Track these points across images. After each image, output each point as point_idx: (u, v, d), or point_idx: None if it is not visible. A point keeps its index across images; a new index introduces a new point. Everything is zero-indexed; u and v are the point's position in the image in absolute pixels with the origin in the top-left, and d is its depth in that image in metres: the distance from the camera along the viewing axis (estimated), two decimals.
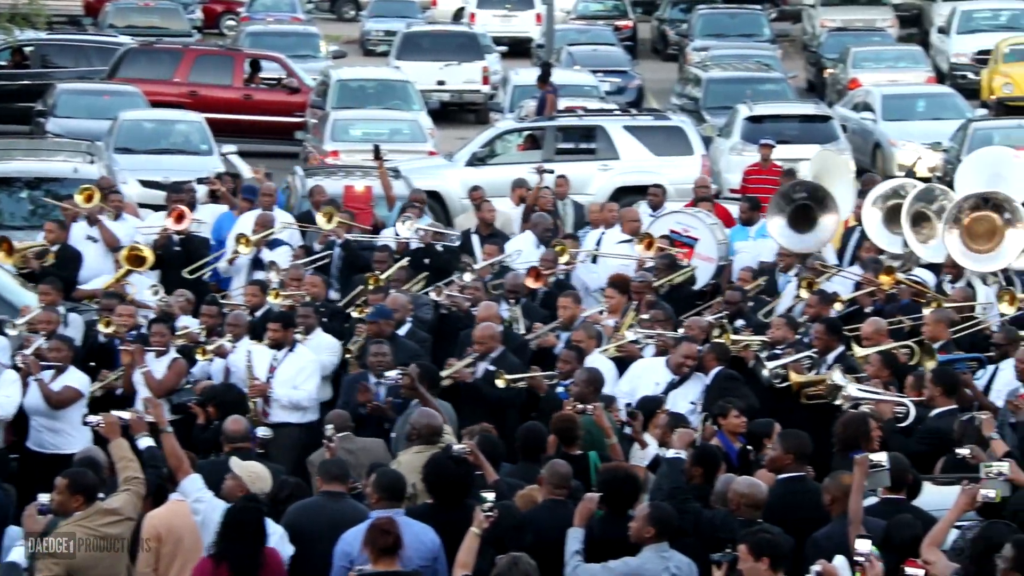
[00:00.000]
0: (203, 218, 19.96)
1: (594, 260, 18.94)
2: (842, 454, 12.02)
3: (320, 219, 18.83)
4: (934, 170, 27.95)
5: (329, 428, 12.46)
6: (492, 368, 14.79)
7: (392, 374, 13.56)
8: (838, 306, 16.41)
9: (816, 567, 9.76)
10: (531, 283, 17.45)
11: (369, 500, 11.09)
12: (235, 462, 11.36)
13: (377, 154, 21.40)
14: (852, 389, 13.66)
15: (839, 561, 9.94)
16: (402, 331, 15.77)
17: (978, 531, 9.95)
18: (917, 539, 10.36)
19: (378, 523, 10.34)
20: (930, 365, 14.42)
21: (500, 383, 14.42)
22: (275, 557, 10.59)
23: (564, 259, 18.06)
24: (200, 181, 22.03)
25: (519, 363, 15.01)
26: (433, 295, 16.36)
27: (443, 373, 14.61)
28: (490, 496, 10.53)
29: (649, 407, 13.43)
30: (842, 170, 20.76)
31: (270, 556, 10.55)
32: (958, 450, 11.81)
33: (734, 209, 21.40)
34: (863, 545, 9.48)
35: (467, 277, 17.24)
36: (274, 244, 18.70)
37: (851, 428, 12.12)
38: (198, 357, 15.32)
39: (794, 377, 14.36)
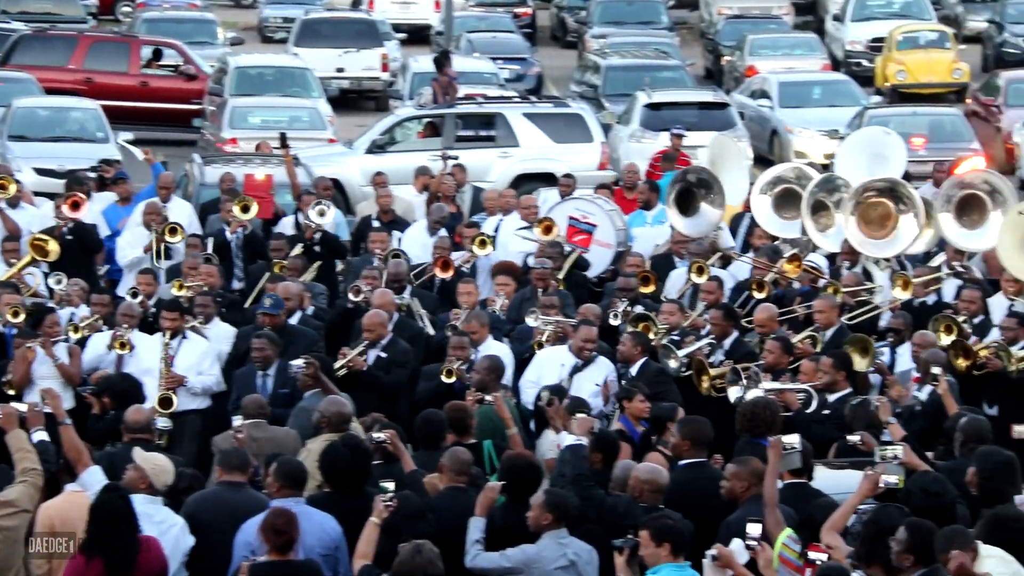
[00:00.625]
0: (97, 207, 19.79)
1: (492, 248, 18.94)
2: (747, 440, 12.10)
3: (236, 209, 18.69)
4: (831, 157, 28.21)
5: (237, 419, 12.33)
6: (384, 355, 14.76)
7: (298, 363, 13.47)
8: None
9: (712, 551, 9.85)
10: (439, 272, 17.41)
11: (269, 489, 11.04)
12: (138, 453, 11.26)
13: (283, 142, 21.28)
14: (757, 390, 13.66)
15: (735, 545, 10.02)
16: (294, 320, 15.70)
17: (870, 515, 10.03)
18: (821, 522, 10.44)
19: (275, 513, 10.28)
20: (861, 362, 14.41)
21: (445, 377, 14.34)
22: (154, 544, 10.50)
23: (487, 250, 18.03)
24: (93, 169, 21.84)
25: (409, 349, 14.99)
26: (352, 295, 16.27)
27: (337, 364, 14.57)
28: (389, 486, 10.51)
29: (557, 394, 13.40)
30: (737, 157, 20.90)
31: (148, 544, 10.45)
32: (849, 437, 11.89)
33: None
34: (754, 529, 9.53)
35: (376, 263, 17.24)
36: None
37: (757, 414, 12.19)
38: (70, 333, 15.25)
39: (707, 374, 14.37)
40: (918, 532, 9.61)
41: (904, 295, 15.85)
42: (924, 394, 13.61)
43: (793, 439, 10.88)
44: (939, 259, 17.10)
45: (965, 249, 16.94)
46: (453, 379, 14.32)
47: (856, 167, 17.71)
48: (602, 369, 14.51)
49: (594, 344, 14.57)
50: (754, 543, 9.51)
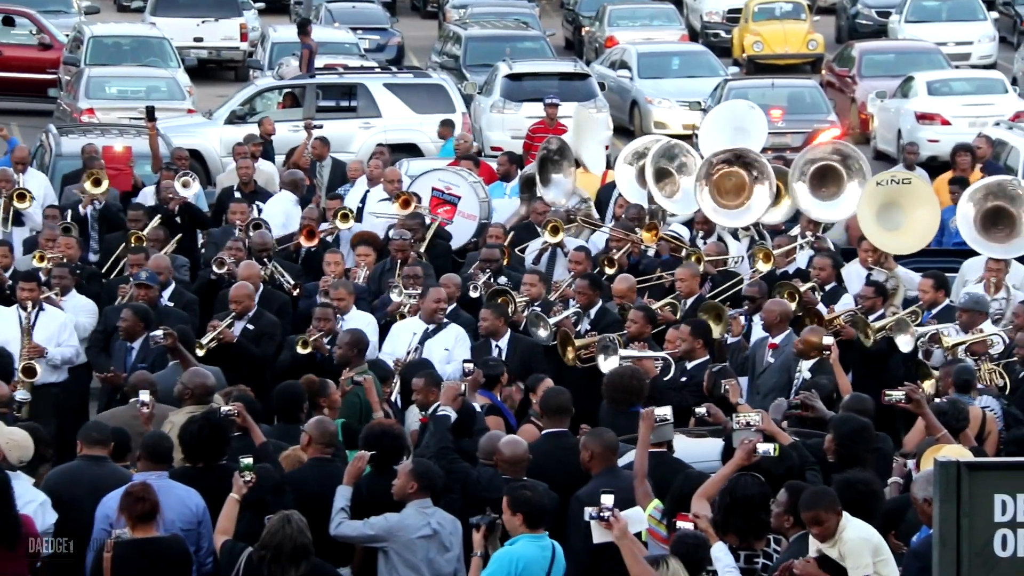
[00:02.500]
0: None
1: (358, 218, 18.92)
2: (614, 410, 12.20)
3: (87, 183, 18.49)
4: (690, 127, 28.48)
5: (144, 394, 12.10)
6: (251, 327, 14.74)
7: (157, 333, 13.40)
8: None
9: (591, 510, 9.77)
10: (304, 241, 17.36)
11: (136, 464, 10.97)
12: None
13: (151, 115, 21.08)
14: (615, 358, 13.82)
15: (633, 513, 10.06)
16: (167, 293, 15.61)
17: (727, 484, 10.18)
18: (692, 491, 10.52)
19: (133, 489, 10.23)
20: (716, 328, 14.57)
21: (300, 348, 14.26)
22: (27, 522, 10.41)
23: (348, 224, 17.99)
24: None
25: (277, 321, 14.99)
26: (216, 268, 16.16)
27: (207, 337, 14.51)
28: (247, 460, 10.48)
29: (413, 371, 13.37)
30: (597, 127, 21.02)
31: (24, 522, 10.36)
32: (697, 409, 12.04)
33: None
34: (608, 500, 9.61)
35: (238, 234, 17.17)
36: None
37: (623, 384, 12.29)
38: None
39: (572, 344, 14.47)
40: (798, 494, 9.77)
41: (766, 267, 16.04)
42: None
43: (666, 411, 10.93)
44: (796, 229, 17.35)
45: (821, 220, 17.19)
46: (308, 350, 14.29)
47: (719, 140, 17.90)
48: (451, 334, 14.53)
49: (445, 305, 14.57)
50: (607, 513, 9.55)
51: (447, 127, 23.95)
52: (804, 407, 11.98)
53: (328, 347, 14.33)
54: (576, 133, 19.94)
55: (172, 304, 15.38)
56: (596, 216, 18.75)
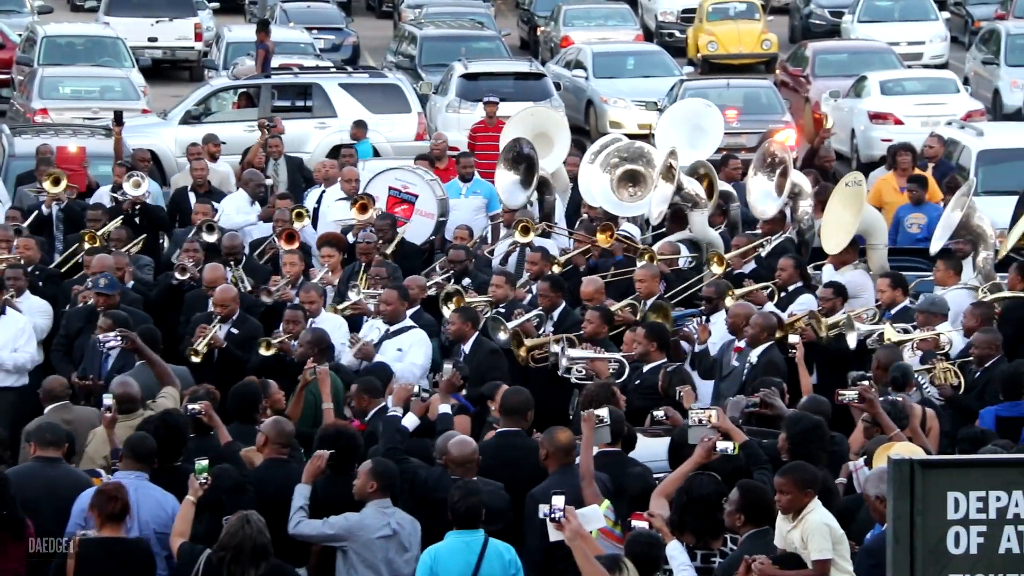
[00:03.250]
0: None
1: (313, 220, 18.90)
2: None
3: (46, 183, 18.42)
4: (645, 127, 28.56)
5: (107, 398, 12.03)
6: (235, 331, 14.67)
7: (111, 336, 13.31)
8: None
9: (544, 507, 9.82)
10: (284, 245, 17.27)
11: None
12: None
13: (118, 120, 21.03)
14: (569, 352, 13.88)
15: (590, 511, 10.10)
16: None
17: (684, 483, 10.23)
18: (648, 490, 10.61)
19: (106, 488, 10.23)
20: (652, 318, 14.69)
21: (263, 350, 14.23)
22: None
23: (303, 223, 17.96)
24: None
25: (260, 326, 14.90)
26: (178, 274, 16.10)
27: (200, 344, 14.41)
28: (202, 463, 10.48)
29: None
30: (555, 127, 21.02)
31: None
32: (655, 412, 12.09)
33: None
34: (558, 500, 9.67)
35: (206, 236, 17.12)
36: None
37: (598, 398, 12.31)
38: None
39: (525, 342, 14.51)
40: (749, 493, 9.86)
41: (719, 270, 16.11)
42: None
43: (603, 412, 10.99)
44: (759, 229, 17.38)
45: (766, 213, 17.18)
46: (271, 351, 14.28)
47: (676, 139, 17.97)
48: (409, 337, 14.53)
49: (392, 308, 14.48)
50: (558, 513, 9.60)
51: (360, 128, 23.57)
52: (764, 404, 12.03)
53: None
54: (536, 133, 19.91)
55: (117, 311, 15.20)
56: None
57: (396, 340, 14.52)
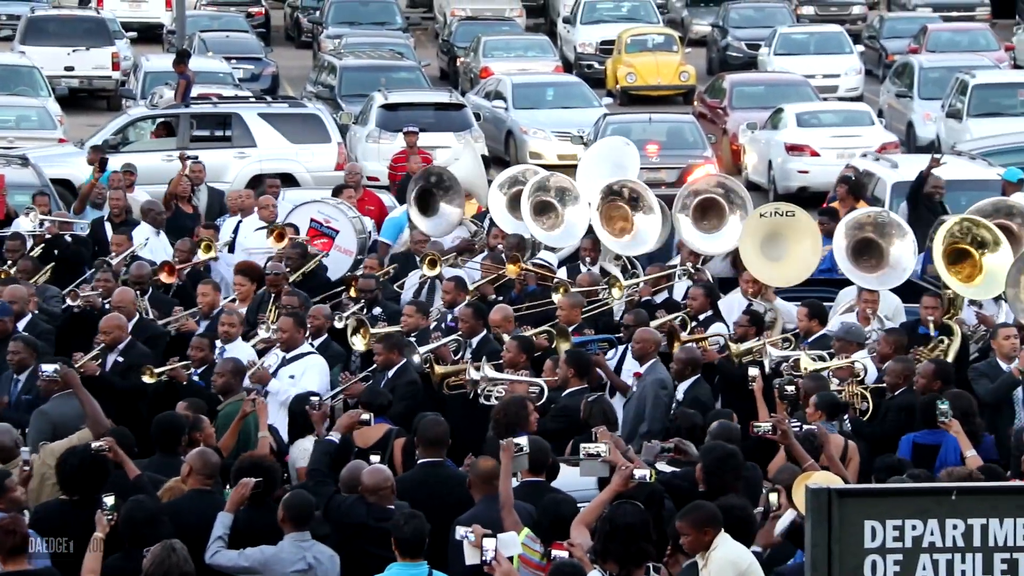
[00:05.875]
0: None
1: (231, 249, 18.84)
2: (497, 439, 12.24)
3: None
4: (565, 157, 28.68)
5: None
6: (121, 359, 14.60)
7: (49, 368, 13.13)
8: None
9: (463, 530, 9.85)
10: (165, 278, 17.19)
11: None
12: None
13: (102, 166, 21.10)
14: (488, 371, 13.94)
15: (508, 537, 10.10)
16: (22, 324, 15.40)
17: (607, 511, 10.26)
18: (566, 520, 10.63)
19: (2, 524, 10.12)
20: (564, 347, 14.81)
21: (147, 378, 14.19)
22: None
23: (210, 254, 17.91)
24: None
25: (148, 352, 14.82)
26: (69, 300, 16.00)
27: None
28: (109, 500, 10.40)
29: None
30: (476, 159, 21.10)
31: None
32: (586, 446, 12.11)
33: (386, 197, 21.68)
34: (489, 544, 9.70)
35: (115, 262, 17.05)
36: None
37: (510, 412, 12.35)
38: None
39: (437, 369, 14.54)
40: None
41: (618, 295, 16.25)
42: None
43: (522, 440, 11.01)
44: (676, 259, 17.51)
45: (703, 252, 17.37)
46: (153, 380, 14.14)
47: (599, 175, 18.12)
48: (304, 364, 14.49)
49: (286, 336, 14.49)
50: (490, 556, 9.62)
51: (96, 152, 22.79)
52: (677, 451, 12.07)
53: (187, 374, 14.22)
54: (458, 163, 19.97)
55: (27, 334, 15.12)
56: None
57: (290, 367, 14.52)
